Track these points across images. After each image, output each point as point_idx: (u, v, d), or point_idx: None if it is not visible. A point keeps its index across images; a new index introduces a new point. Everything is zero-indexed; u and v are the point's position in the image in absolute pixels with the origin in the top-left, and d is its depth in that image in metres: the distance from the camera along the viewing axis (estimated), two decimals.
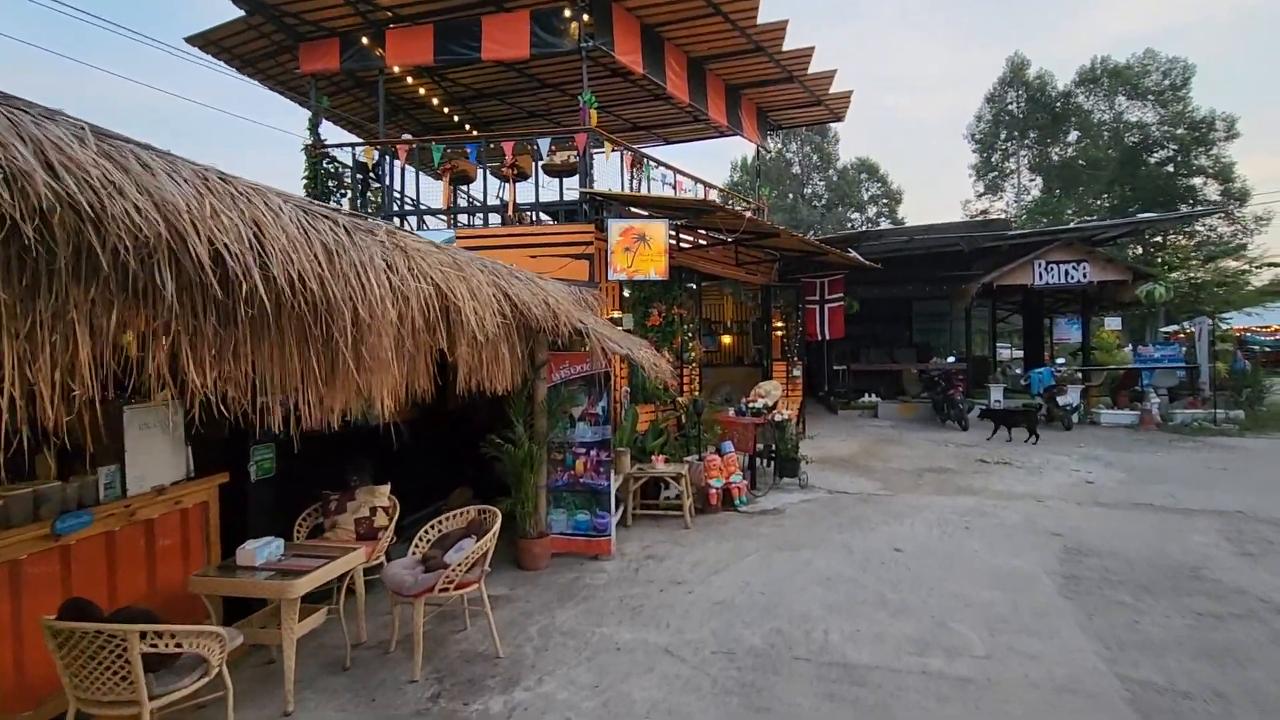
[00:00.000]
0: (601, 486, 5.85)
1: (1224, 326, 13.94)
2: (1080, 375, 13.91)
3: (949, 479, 8.90)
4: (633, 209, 8.15)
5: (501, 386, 4.64)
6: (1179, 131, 38.21)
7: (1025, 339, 17.79)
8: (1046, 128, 40.73)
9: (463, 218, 9.72)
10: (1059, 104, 40.07)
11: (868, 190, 41.04)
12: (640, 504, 7.25)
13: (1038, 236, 13.61)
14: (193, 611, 3.80)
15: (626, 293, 8.58)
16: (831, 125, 42.29)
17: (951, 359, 14.38)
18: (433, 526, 4.44)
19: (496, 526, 4.19)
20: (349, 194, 8.80)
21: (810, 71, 10.77)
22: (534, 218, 8.59)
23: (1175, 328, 25.09)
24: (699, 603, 4.80)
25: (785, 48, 9.83)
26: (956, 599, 4.79)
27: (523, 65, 9.94)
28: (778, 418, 8.20)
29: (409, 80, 9.80)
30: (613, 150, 8.28)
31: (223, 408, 2.52)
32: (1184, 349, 16.27)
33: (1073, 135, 41.05)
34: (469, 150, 8.36)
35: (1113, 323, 27.51)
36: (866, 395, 14.67)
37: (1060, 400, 12.45)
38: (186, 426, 3.96)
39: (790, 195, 39.54)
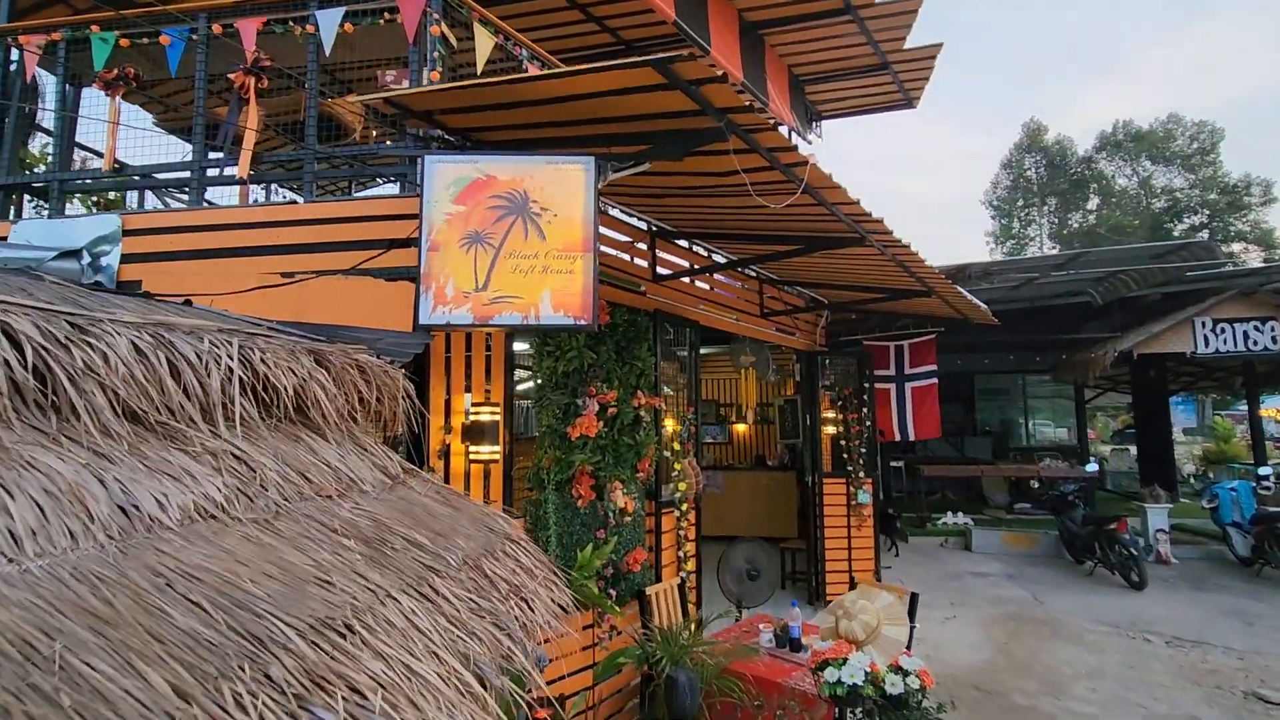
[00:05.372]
0: None
1: None
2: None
3: None
4: (516, 141, 3.25)
5: None
6: (1211, 196, 34.42)
7: (1140, 430, 12.47)
8: (1066, 194, 36.84)
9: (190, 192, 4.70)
10: (1079, 170, 36.44)
11: None
12: None
13: (1198, 284, 8.55)
14: None
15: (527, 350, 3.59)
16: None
17: (1092, 466, 8.99)
18: None
19: None
20: None
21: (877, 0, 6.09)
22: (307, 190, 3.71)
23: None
24: None
25: None
26: None
27: None
28: (890, 685, 3.01)
29: None
30: (492, 39, 3.47)
31: None
32: None
33: (1093, 202, 37.26)
34: (170, 40, 3.56)
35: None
36: (950, 514, 9.29)
37: None
38: None
39: None
